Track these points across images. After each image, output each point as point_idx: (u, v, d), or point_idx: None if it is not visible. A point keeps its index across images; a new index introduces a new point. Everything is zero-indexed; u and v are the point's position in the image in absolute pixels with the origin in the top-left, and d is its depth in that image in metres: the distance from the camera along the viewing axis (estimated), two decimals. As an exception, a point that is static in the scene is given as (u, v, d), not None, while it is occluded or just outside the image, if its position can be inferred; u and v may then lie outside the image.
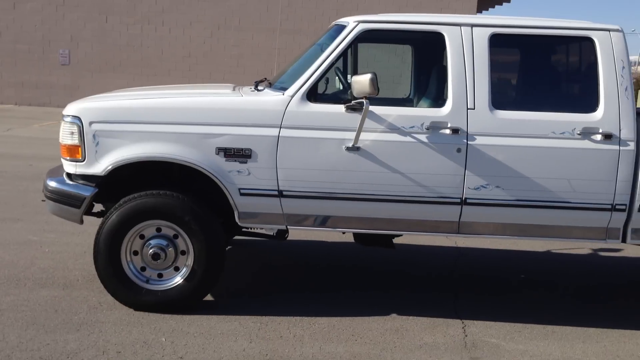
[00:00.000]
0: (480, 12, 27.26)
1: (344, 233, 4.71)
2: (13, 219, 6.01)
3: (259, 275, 4.92)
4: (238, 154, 3.82)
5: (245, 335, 3.72)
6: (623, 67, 3.82)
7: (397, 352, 3.61)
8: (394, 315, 4.16)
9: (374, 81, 3.57)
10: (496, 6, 27.16)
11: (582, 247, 6.12)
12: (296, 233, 5.77)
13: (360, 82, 3.60)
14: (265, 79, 4.44)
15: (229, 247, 5.45)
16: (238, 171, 3.83)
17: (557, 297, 4.74)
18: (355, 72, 3.94)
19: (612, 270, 5.57)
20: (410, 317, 4.14)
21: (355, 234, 4.44)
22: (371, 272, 5.13)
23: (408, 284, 4.88)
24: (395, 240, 5.65)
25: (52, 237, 5.50)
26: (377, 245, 4.47)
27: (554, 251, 6.01)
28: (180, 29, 18.76)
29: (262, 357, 3.47)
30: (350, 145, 3.79)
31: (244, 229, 4.46)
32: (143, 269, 3.98)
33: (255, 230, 4.55)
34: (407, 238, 5.88)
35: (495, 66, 3.86)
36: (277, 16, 18.32)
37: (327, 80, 4.32)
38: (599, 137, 3.78)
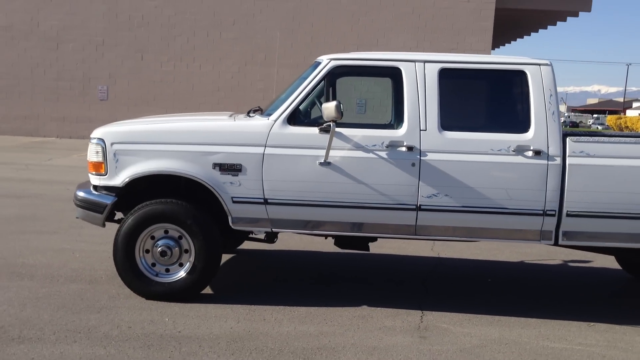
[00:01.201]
0: (497, 48, 28.02)
1: (326, 238, 5.47)
2: (50, 232, 6.94)
3: (253, 276, 5.69)
4: (231, 169, 4.65)
5: (234, 318, 4.49)
6: (551, 95, 4.55)
7: (358, 332, 4.34)
8: (364, 306, 4.88)
9: (339, 107, 4.38)
10: (518, 39, 27.86)
11: (554, 259, 6.74)
12: (289, 243, 6.57)
13: (328, 108, 4.41)
14: (259, 107, 5.29)
15: (232, 254, 6.27)
16: (231, 182, 4.66)
17: (514, 297, 5.39)
18: (332, 101, 4.70)
19: (577, 278, 6.17)
20: (379, 308, 4.85)
21: (335, 239, 5.21)
22: (355, 275, 5.86)
23: (386, 285, 5.58)
24: (384, 251, 6.43)
25: (83, 245, 6.40)
26: (354, 248, 5.21)
27: (526, 261, 6.65)
28: (210, 66, 20.00)
29: (246, 333, 4.23)
30: (322, 160, 4.58)
31: (250, 235, 5.27)
32: (153, 264, 4.81)
33: (252, 236, 5.37)
34: (393, 249, 6.64)
35: (443, 95, 4.63)
36: (302, 52, 19.41)
37: (311, 107, 5.16)
38: (530, 153, 4.50)
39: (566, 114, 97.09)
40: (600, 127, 61.23)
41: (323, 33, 19.78)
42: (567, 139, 4.51)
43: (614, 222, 4.48)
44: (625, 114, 68.58)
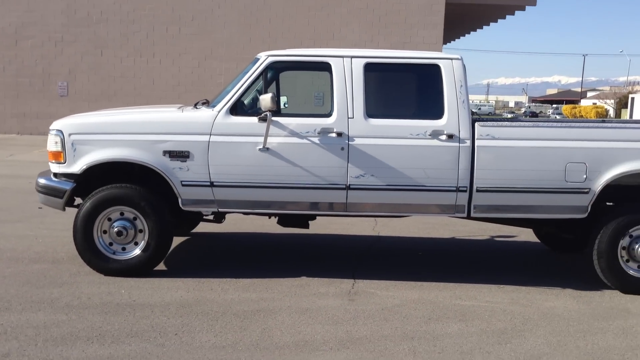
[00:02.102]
0: (452, 41, 28.88)
1: (269, 217, 6.01)
2: (14, 221, 7.34)
3: (205, 255, 6.22)
4: (179, 155, 5.16)
5: (185, 289, 5.02)
6: (461, 86, 5.17)
7: (295, 297, 4.91)
8: (303, 277, 5.46)
9: (274, 99, 4.93)
10: (471, 32, 28.77)
11: (483, 235, 7.42)
12: (242, 226, 7.10)
13: (265, 99, 4.96)
14: (207, 100, 5.80)
15: (187, 237, 6.78)
16: (180, 168, 5.17)
17: (440, 267, 6.03)
18: (268, 93, 5.24)
19: (500, 250, 6.86)
20: (316, 278, 5.43)
21: (278, 218, 5.76)
22: (298, 252, 6.43)
23: (327, 259, 6.17)
24: (330, 231, 7.02)
25: (45, 232, 6.82)
26: (295, 226, 5.77)
27: (457, 237, 7.32)
28: (170, 60, 20.30)
29: (194, 300, 4.76)
30: (261, 147, 5.12)
31: (204, 217, 5.78)
32: (110, 244, 5.29)
33: (205, 218, 5.89)
34: (338, 230, 7.23)
35: (368, 86, 5.21)
36: (260, 47, 19.86)
37: (253, 99, 5.69)
38: (444, 137, 5.11)
39: (527, 105, 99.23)
40: (558, 117, 63.09)
41: (280, 28, 20.26)
42: (476, 124, 5.13)
43: (517, 196, 5.13)
44: (580, 103, 70.76)
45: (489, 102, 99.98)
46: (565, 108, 64.77)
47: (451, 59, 5.24)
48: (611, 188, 5.16)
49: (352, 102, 5.18)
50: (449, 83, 5.18)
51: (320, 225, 7.12)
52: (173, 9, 20.06)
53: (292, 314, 4.53)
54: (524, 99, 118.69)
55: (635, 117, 41.73)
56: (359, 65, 5.23)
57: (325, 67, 5.31)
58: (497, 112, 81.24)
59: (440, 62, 5.23)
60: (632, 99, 45.10)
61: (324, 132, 5.16)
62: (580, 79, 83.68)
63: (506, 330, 4.34)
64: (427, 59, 5.28)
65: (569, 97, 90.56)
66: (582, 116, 54.26)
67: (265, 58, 5.31)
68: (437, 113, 5.18)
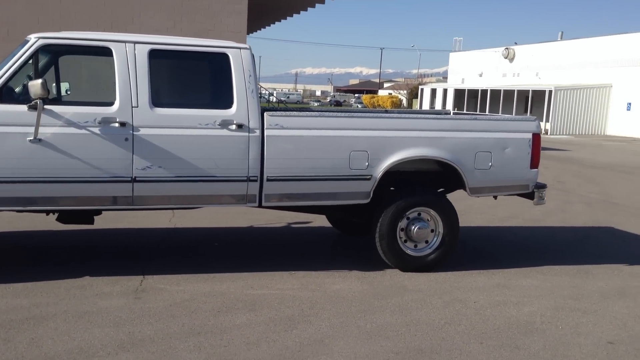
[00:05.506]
0: (258, 30, 29.20)
1: (47, 214, 5.50)
2: None
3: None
4: None
5: (-60, 300, 4.40)
6: (250, 75, 5.15)
7: (73, 300, 4.53)
8: (86, 277, 5.07)
9: (44, 85, 4.48)
10: (276, 23, 29.26)
11: (281, 222, 7.55)
12: (18, 224, 6.45)
13: (34, 85, 4.48)
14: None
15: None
16: None
17: (235, 257, 5.99)
18: (39, 79, 4.74)
19: (296, 237, 7.02)
20: (100, 277, 5.08)
21: (57, 215, 5.28)
22: (84, 250, 5.99)
23: (116, 256, 5.81)
24: (122, 225, 6.63)
25: None
26: (78, 222, 5.34)
27: (255, 226, 7.36)
28: (-60, 39, 17.82)
29: (-32, 309, 4.19)
30: (32, 138, 4.64)
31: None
32: None
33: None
34: (132, 223, 6.85)
35: (154, 74, 4.96)
36: (50, 28, 18.22)
37: (23, 85, 5.11)
38: (233, 127, 5.05)
39: (332, 94, 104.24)
40: (359, 106, 67.11)
41: (73, 8, 18.64)
42: (265, 113, 5.15)
43: (307, 184, 5.25)
44: (377, 93, 75.89)
45: (297, 91, 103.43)
46: (365, 98, 69.09)
47: (240, 48, 5.18)
48: (392, 174, 5.50)
49: (137, 90, 4.89)
50: (238, 73, 5.12)
51: (110, 220, 6.72)
52: (-58, -20, 17.60)
53: (68, 318, 4.17)
54: (329, 88, 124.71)
55: (424, 106, 45.81)
56: (143, 52, 4.95)
57: (107, 52, 4.95)
58: (305, 100, 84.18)
59: (228, 52, 5.15)
60: (422, 90, 49.43)
61: (105, 121, 4.81)
62: (379, 70, 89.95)
63: (294, 317, 4.42)
64: (216, 47, 5.16)
65: (369, 87, 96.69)
66: (380, 105, 58.21)
67: (35, 40, 4.81)
68: (227, 103, 5.09)
